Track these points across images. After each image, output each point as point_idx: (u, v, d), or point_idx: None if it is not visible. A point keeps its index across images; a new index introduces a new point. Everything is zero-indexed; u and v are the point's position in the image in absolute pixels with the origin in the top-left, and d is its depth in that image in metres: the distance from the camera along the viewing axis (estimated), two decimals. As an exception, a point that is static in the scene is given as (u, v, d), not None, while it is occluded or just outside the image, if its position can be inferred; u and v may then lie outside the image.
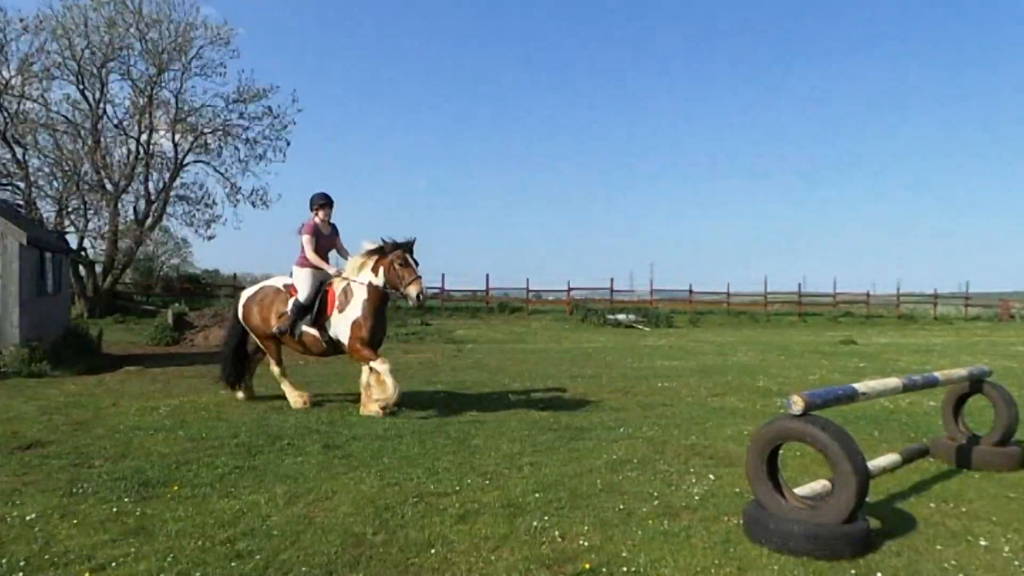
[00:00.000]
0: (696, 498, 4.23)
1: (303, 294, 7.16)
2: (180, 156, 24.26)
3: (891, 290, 36.89)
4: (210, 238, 25.50)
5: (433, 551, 3.34)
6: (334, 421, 6.53)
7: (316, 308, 7.17)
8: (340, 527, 3.64)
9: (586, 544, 3.45)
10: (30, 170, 21.70)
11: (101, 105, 22.98)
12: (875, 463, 4.76)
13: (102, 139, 22.86)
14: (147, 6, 22.49)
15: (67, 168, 21.87)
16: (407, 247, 7.03)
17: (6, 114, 21.43)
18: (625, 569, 3.15)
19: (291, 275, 7.41)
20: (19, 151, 21.66)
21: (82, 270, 22.70)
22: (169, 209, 24.80)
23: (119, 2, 22.06)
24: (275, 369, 7.57)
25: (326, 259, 7.37)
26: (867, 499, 4.08)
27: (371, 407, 6.81)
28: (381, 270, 6.99)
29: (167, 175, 24.35)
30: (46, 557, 3.17)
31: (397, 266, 6.90)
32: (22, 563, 3.11)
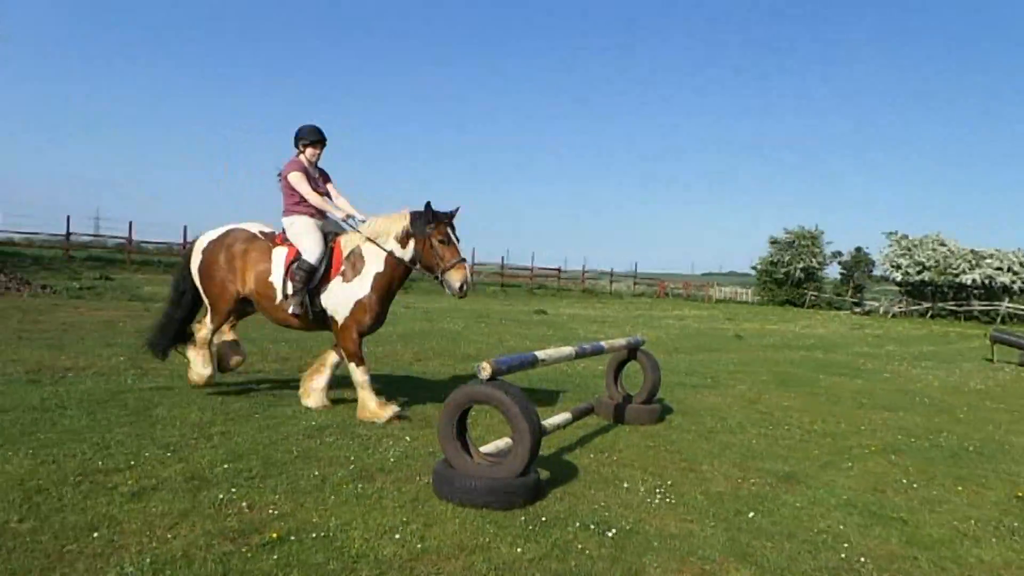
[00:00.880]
0: (391, 460, 4.38)
1: (311, 251, 5.51)
2: None
3: (578, 267, 41.90)
4: None
5: (96, 535, 2.99)
6: (-28, 391, 5.45)
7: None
8: (-28, 517, 3.07)
9: (276, 513, 3.38)
10: None
11: None
12: (549, 421, 5.37)
13: None
14: None
15: None
16: (449, 218, 5.51)
17: None
18: (315, 535, 3.15)
19: (278, 229, 5.86)
20: None
21: None
22: None
23: None
24: (205, 333, 5.91)
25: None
26: (540, 454, 4.60)
27: (313, 398, 5.74)
28: (412, 243, 5.52)
29: None
30: None
31: (436, 242, 5.40)
32: None
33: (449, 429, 3.88)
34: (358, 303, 5.50)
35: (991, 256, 34.15)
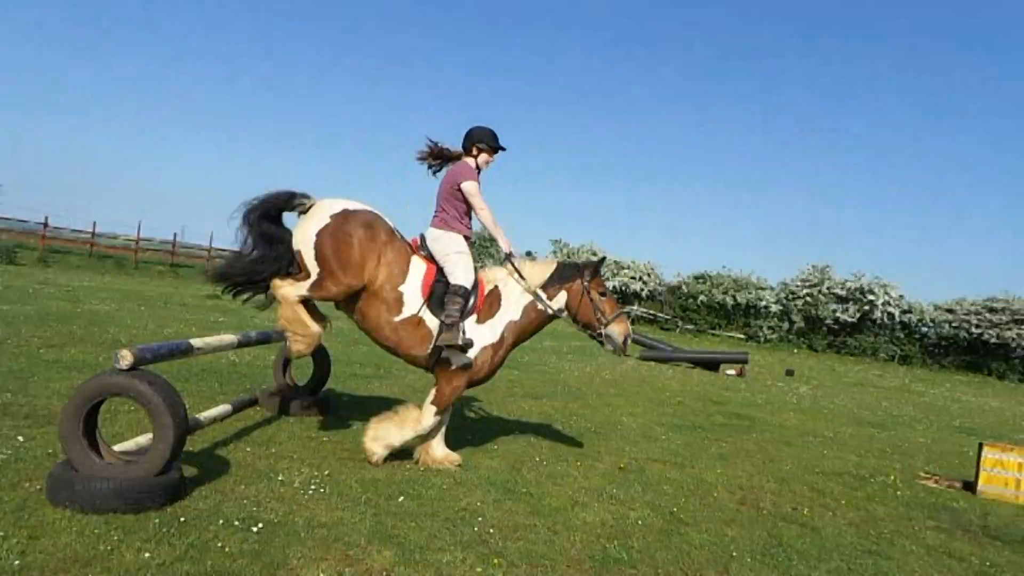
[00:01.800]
0: (-6, 465, 3.70)
1: (467, 277, 4.74)
2: None
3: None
4: None
5: None
6: None
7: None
8: None
9: None
10: None
11: None
12: (206, 414, 5.04)
13: None
14: None
15: None
16: (597, 267, 5.11)
17: None
18: None
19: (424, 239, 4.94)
20: None
21: None
22: None
23: None
24: (297, 292, 4.59)
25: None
26: (192, 449, 4.29)
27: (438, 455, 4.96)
28: (564, 294, 5.03)
29: None
30: None
31: (596, 294, 4.99)
32: None
33: (74, 426, 3.40)
34: (483, 349, 4.85)
35: (629, 266, 40.67)
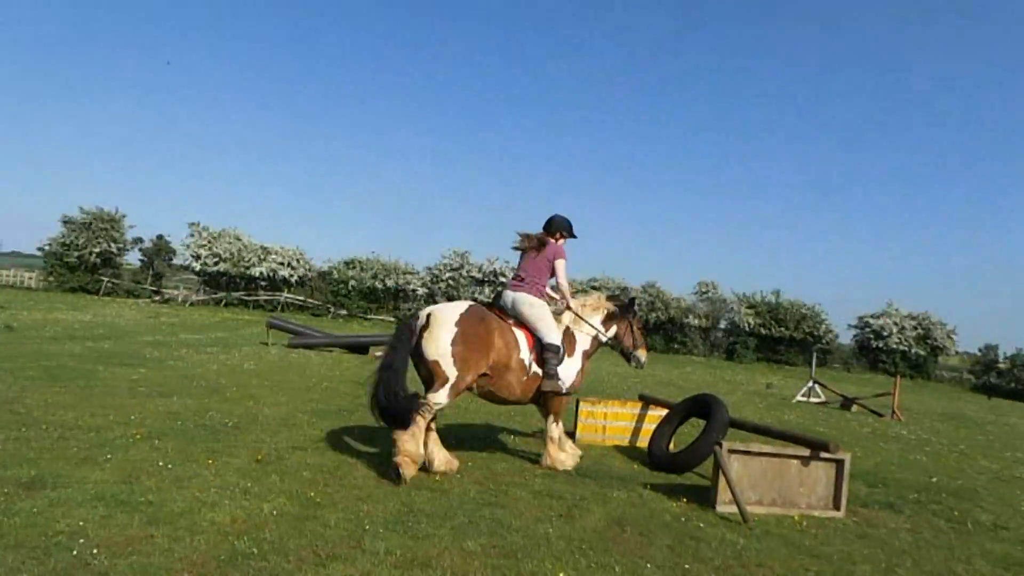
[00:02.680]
0: None
1: (557, 335, 6.15)
2: None
3: None
4: None
5: None
6: None
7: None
8: None
9: None
10: None
11: None
12: None
13: None
14: None
15: None
16: (635, 308, 7.04)
17: None
18: None
19: (514, 303, 6.13)
20: None
21: None
22: None
23: None
24: (439, 401, 5.54)
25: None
26: None
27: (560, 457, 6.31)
28: (614, 326, 6.70)
29: None
30: None
31: (636, 329, 6.82)
32: None
33: None
34: (575, 375, 6.28)
35: (277, 252, 39.05)
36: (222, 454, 5.51)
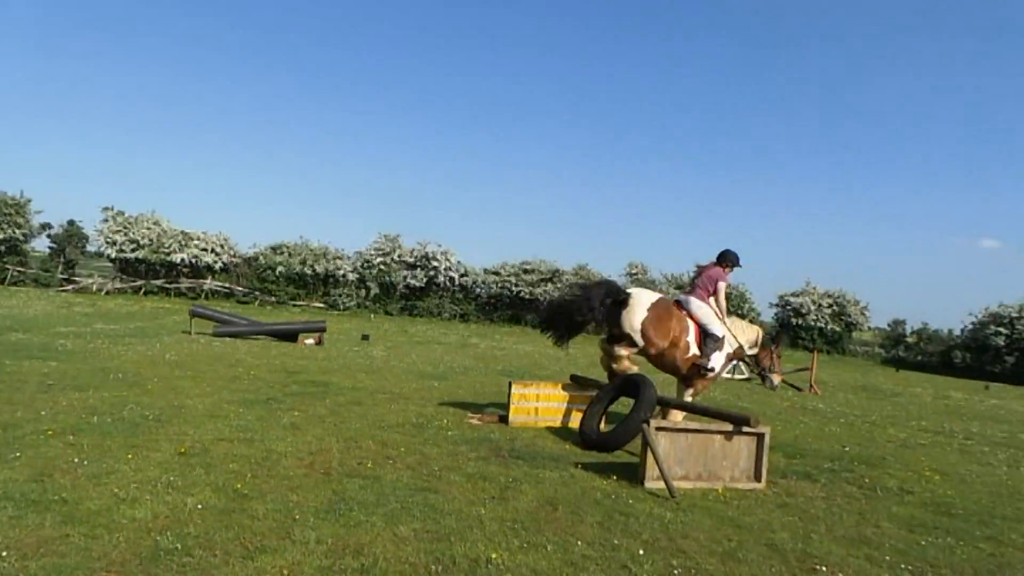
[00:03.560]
0: None
1: (721, 329, 8.02)
2: None
3: None
4: None
5: None
6: None
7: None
8: None
9: None
10: None
11: None
12: None
13: None
14: None
15: None
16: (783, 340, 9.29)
17: None
18: None
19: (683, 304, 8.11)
20: None
21: None
22: None
23: None
24: (627, 352, 7.80)
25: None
26: None
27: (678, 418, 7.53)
28: (758, 348, 8.47)
29: None
30: None
31: (776, 357, 8.55)
32: None
33: None
34: (719, 366, 8.03)
35: (199, 238, 37.58)
36: (142, 448, 5.31)
